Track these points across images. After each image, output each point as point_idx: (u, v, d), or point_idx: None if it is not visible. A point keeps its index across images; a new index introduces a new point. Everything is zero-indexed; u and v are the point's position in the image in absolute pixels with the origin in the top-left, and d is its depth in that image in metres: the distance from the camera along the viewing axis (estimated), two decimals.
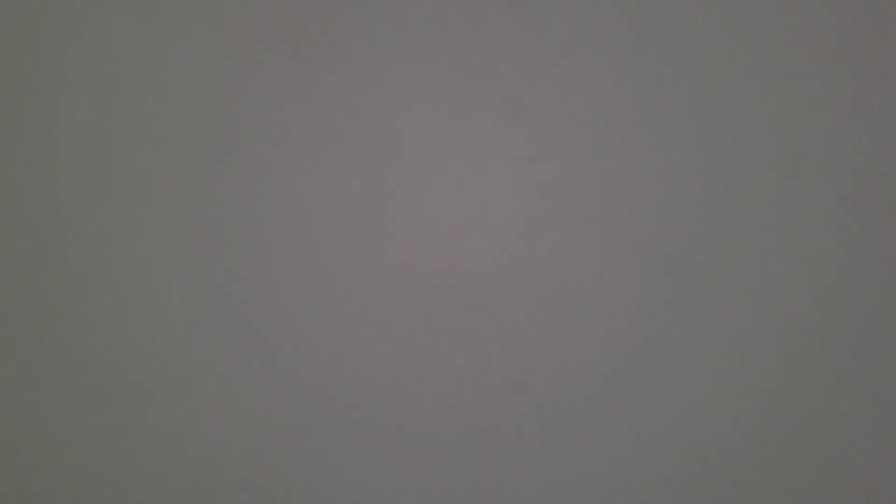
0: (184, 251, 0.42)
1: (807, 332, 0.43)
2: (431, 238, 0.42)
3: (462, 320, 0.42)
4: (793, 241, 0.43)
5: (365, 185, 0.42)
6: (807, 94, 0.43)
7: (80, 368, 0.42)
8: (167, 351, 0.42)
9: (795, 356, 0.43)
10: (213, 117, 0.42)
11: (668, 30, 0.43)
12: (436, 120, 0.43)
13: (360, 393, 0.42)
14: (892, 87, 0.43)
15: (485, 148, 0.43)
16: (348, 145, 0.42)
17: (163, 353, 0.42)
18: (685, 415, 0.43)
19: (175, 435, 0.42)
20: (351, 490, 0.42)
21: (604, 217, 0.43)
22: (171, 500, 0.42)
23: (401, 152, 0.43)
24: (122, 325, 0.42)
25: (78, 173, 0.42)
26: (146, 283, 0.42)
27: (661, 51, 0.43)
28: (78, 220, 0.42)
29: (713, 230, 0.43)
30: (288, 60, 0.42)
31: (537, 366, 0.42)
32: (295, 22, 0.43)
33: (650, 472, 0.43)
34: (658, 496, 0.43)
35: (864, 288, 0.43)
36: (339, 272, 0.42)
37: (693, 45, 0.43)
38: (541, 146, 0.43)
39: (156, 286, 0.42)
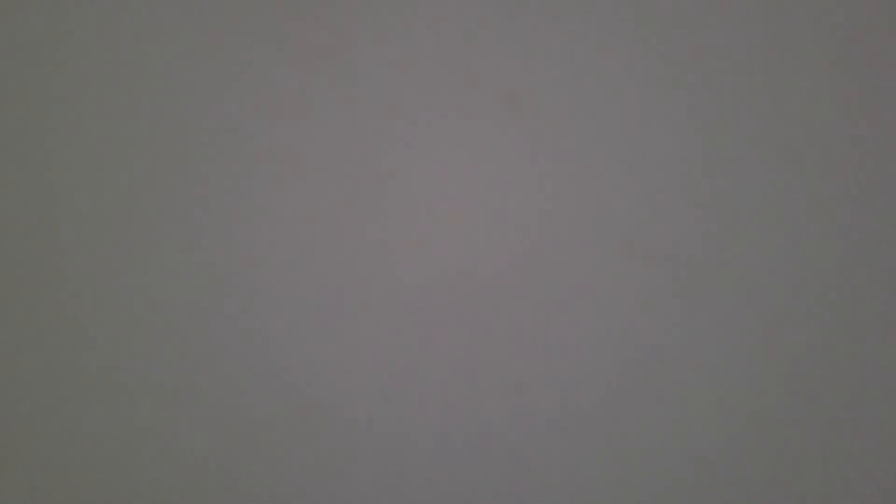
0: (183, 252, 0.42)
1: (807, 333, 0.43)
2: (430, 239, 0.42)
3: (460, 321, 0.42)
4: (793, 242, 0.43)
5: (363, 185, 0.42)
6: (807, 93, 0.43)
7: (78, 369, 0.42)
8: (167, 352, 0.42)
9: (796, 357, 0.43)
10: (211, 117, 0.42)
11: (668, 29, 0.43)
12: (435, 120, 0.43)
13: (359, 393, 0.42)
14: (892, 87, 0.43)
15: (484, 148, 0.43)
16: (346, 145, 0.42)
17: (163, 354, 0.42)
18: (684, 415, 0.43)
19: (175, 437, 0.42)
20: (350, 490, 0.42)
21: (603, 217, 0.42)
22: (169, 500, 0.42)
23: (399, 152, 0.42)
24: (119, 327, 0.42)
25: (76, 173, 0.42)
26: (144, 285, 0.42)
27: (661, 50, 0.43)
28: (75, 220, 0.42)
29: (713, 231, 0.43)
30: (287, 60, 0.42)
31: (536, 366, 0.42)
32: (294, 21, 0.43)
33: (649, 472, 0.43)
34: (657, 497, 0.43)
35: (864, 287, 0.43)
36: (338, 273, 0.42)
37: (693, 45, 0.43)
38: (540, 146, 0.43)
39: (154, 287, 0.42)
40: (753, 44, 0.43)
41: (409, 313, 0.42)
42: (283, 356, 0.42)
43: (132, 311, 0.42)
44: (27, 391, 0.42)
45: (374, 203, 0.42)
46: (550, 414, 0.42)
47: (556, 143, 0.43)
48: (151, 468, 0.42)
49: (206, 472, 0.42)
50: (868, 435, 0.43)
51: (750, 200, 0.43)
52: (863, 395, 0.43)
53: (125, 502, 0.42)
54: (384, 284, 0.42)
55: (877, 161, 0.43)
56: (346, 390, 0.42)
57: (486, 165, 0.43)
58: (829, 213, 0.43)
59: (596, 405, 0.42)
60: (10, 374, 0.42)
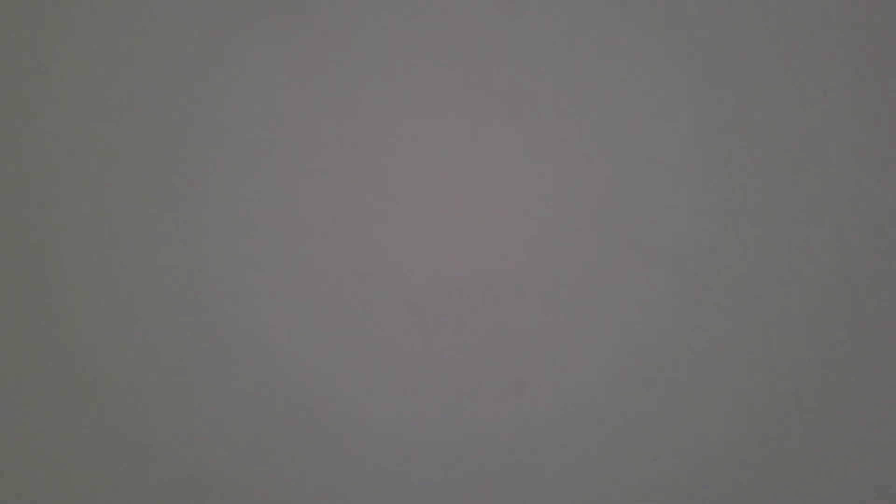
0: (185, 253, 0.42)
1: (807, 332, 0.43)
2: (431, 239, 0.42)
3: (461, 320, 0.42)
4: (794, 242, 0.43)
5: (363, 186, 0.42)
6: (807, 93, 0.43)
7: (77, 370, 0.42)
8: (168, 352, 0.42)
9: (796, 356, 0.43)
10: (212, 118, 0.42)
11: (667, 29, 0.43)
12: (435, 120, 0.43)
13: (360, 393, 0.42)
14: (892, 87, 0.43)
15: (484, 148, 0.43)
16: (346, 145, 0.42)
17: (163, 354, 0.42)
18: (685, 415, 0.43)
19: (176, 438, 0.42)
20: (351, 491, 0.42)
21: (604, 217, 0.42)
22: (170, 500, 0.42)
23: (399, 152, 0.42)
24: (119, 327, 0.42)
25: (76, 174, 0.42)
26: (145, 285, 0.42)
27: (661, 51, 0.43)
28: (73, 220, 0.42)
29: (714, 230, 0.43)
30: (287, 59, 0.42)
31: (536, 366, 0.42)
32: (294, 21, 0.42)
33: (650, 472, 0.43)
34: (657, 497, 0.43)
35: (864, 287, 0.43)
36: (338, 273, 0.42)
37: (693, 45, 0.43)
38: (540, 146, 0.43)
39: (156, 288, 0.42)
40: (754, 44, 0.43)
41: (409, 313, 0.42)
42: (284, 356, 0.42)
43: (132, 311, 0.42)
44: (27, 391, 0.42)
45: (374, 203, 0.42)
46: (550, 414, 0.42)
47: (557, 143, 0.43)
48: (151, 468, 0.42)
49: (206, 472, 0.42)
50: (868, 435, 0.43)
51: (751, 200, 0.43)
52: (863, 394, 0.43)
53: (125, 502, 0.42)
54: (385, 284, 0.42)
55: (877, 161, 0.43)
56: (346, 390, 0.42)
57: (486, 165, 0.43)
58: (830, 213, 0.43)
59: (596, 405, 0.42)
60: (10, 374, 0.42)
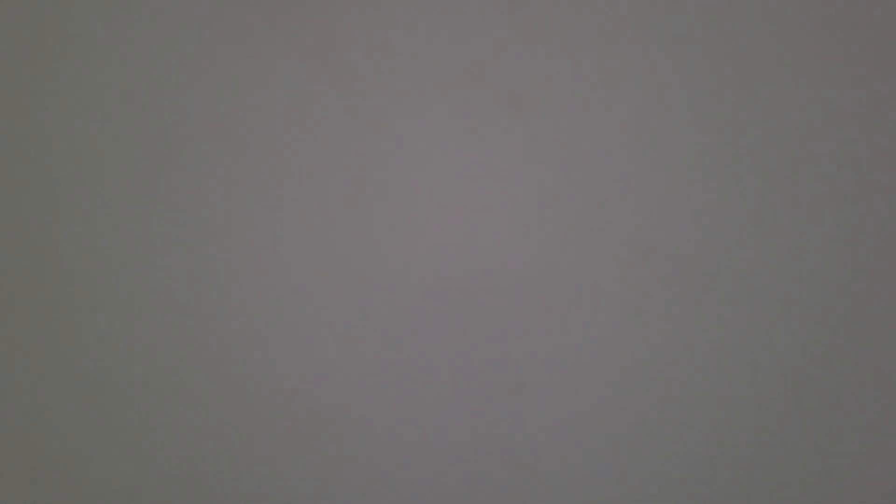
0: (182, 252, 0.42)
1: (808, 333, 0.43)
2: (430, 239, 0.42)
3: (460, 320, 0.42)
4: (794, 242, 0.43)
5: (363, 185, 0.42)
6: (808, 93, 0.43)
7: (77, 370, 0.42)
8: (166, 353, 0.42)
9: (797, 357, 0.43)
10: (211, 117, 0.42)
11: (667, 29, 0.43)
12: (435, 120, 0.43)
13: (359, 393, 0.42)
14: (892, 87, 0.43)
15: (483, 148, 0.43)
16: (346, 145, 0.42)
17: (161, 354, 0.42)
18: (685, 416, 0.42)
19: (175, 438, 0.42)
20: (350, 491, 0.42)
21: (603, 217, 0.42)
22: (169, 501, 0.42)
23: (399, 152, 0.42)
24: (119, 327, 0.42)
25: (76, 173, 0.42)
26: (144, 284, 0.42)
27: (662, 51, 0.43)
28: (74, 220, 0.42)
29: (714, 230, 0.43)
30: (286, 59, 0.42)
31: (536, 366, 0.42)
32: (294, 21, 0.43)
33: (650, 472, 0.43)
34: (658, 497, 0.43)
35: (865, 288, 0.43)
36: (337, 273, 0.42)
37: (693, 45, 0.43)
38: (540, 146, 0.43)
39: (154, 287, 0.42)
40: (753, 44, 0.43)
41: (409, 313, 0.42)
42: (283, 356, 0.42)
43: (131, 310, 0.42)
44: (27, 391, 0.42)
45: (374, 203, 0.42)
46: (550, 414, 0.42)
47: (557, 143, 0.43)
48: (151, 468, 0.42)
49: (206, 472, 0.42)
50: (868, 435, 0.43)
51: (751, 200, 0.43)
52: (863, 395, 0.43)
53: (125, 502, 0.42)
54: (384, 284, 0.42)
55: (877, 162, 0.43)
56: (345, 390, 0.42)
57: (486, 165, 0.43)
58: (830, 213, 0.43)
59: (597, 405, 0.42)
60: (10, 374, 0.42)
